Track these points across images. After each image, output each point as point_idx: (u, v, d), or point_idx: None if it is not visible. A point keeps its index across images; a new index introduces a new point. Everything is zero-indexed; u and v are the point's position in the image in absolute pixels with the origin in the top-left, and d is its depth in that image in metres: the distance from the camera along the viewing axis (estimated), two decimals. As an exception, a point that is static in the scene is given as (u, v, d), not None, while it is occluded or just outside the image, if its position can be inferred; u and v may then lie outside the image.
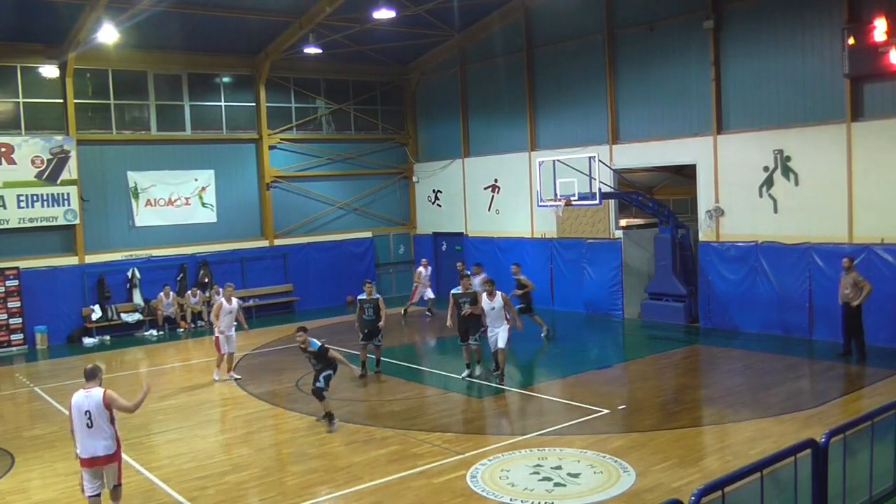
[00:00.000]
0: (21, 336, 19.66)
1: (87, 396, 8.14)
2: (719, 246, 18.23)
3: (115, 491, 8.20)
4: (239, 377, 15.34)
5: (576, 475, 9.31)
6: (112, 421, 8.12)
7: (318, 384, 11.90)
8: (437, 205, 26.35)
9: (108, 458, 8.09)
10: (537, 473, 9.42)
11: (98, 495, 8.15)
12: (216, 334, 15.23)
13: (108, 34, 17.67)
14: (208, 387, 14.90)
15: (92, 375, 8.33)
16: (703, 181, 18.58)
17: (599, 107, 20.73)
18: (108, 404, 8.08)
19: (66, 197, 20.49)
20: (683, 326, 18.73)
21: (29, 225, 20.08)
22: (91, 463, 8.07)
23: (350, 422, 12.14)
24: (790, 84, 16.87)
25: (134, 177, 21.80)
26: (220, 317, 15.08)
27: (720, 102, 18.09)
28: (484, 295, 13.66)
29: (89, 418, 8.04)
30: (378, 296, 15.15)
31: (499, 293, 13.57)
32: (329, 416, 11.85)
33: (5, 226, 19.75)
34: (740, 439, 10.45)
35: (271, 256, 24.05)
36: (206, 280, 22.40)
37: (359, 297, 15.26)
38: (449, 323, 14.61)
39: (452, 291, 14.42)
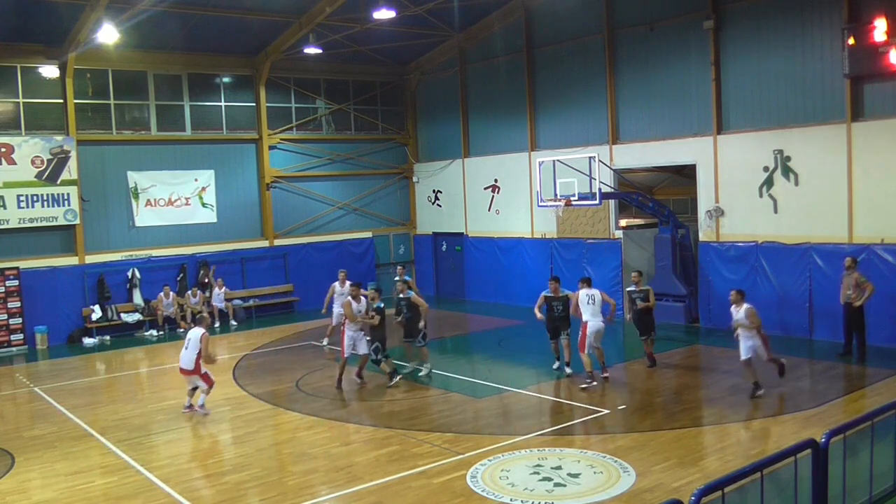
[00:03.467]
0: (21, 336, 19.64)
1: (192, 330, 12.80)
2: (719, 246, 18.23)
3: (195, 391, 12.86)
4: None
5: (576, 475, 9.32)
6: (199, 351, 12.45)
7: (372, 359, 14.06)
8: (437, 205, 26.35)
9: (189, 371, 12.61)
10: (537, 473, 9.42)
11: (193, 389, 12.86)
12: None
13: (108, 34, 17.67)
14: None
15: (199, 321, 13.13)
16: (703, 181, 18.58)
17: (599, 107, 20.74)
18: (202, 339, 12.54)
19: (66, 197, 20.49)
20: (683, 326, 18.73)
21: (29, 225, 20.08)
22: (181, 371, 12.78)
23: (350, 422, 12.15)
24: (790, 84, 16.88)
25: (134, 177, 21.80)
26: (336, 298, 17.53)
27: (720, 102, 18.09)
28: (732, 307, 12.79)
29: (187, 342, 12.66)
30: (566, 292, 14.39)
31: (745, 304, 12.65)
32: (391, 375, 14.08)
33: (5, 226, 19.76)
34: (740, 439, 10.46)
35: (271, 256, 24.05)
36: (206, 280, 22.39)
37: (545, 294, 14.47)
38: (538, 315, 14.46)
39: (544, 293, 14.41)
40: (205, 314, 13.93)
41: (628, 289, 15.28)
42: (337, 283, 17.61)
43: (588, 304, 13.67)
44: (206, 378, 12.74)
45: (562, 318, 14.32)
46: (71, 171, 20.50)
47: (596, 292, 13.85)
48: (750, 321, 12.51)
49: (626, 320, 16.03)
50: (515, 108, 23.10)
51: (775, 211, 17.20)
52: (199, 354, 12.52)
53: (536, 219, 22.51)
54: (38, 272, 20.10)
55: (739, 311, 12.70)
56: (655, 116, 19.54)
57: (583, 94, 21.28)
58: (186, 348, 12.62)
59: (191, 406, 12.85)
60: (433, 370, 14.94)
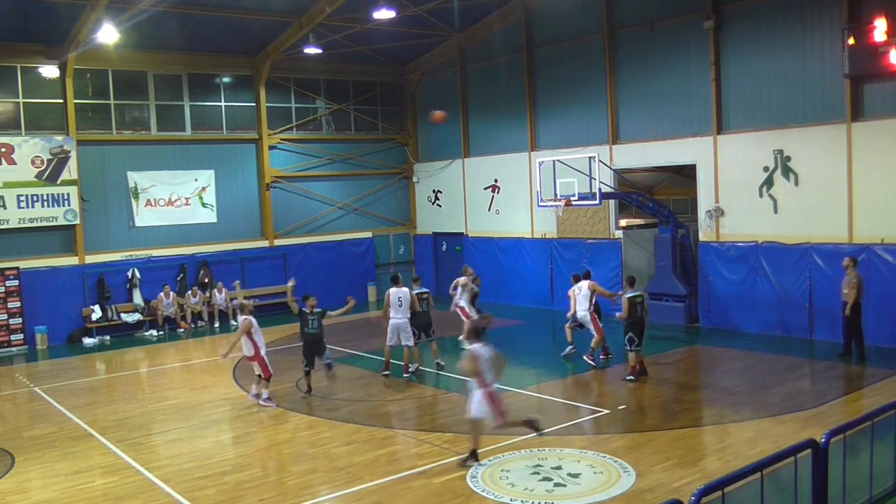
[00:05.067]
0: (21, 336, 19.64)
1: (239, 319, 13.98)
2: (719, 246, 18.23)
3: (259, 379, 13.31)
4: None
5: (576, 475, 9.32)
6: (249, 337, 13.02)
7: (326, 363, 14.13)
8: (437, 205, 26.35)
9: (249, 358, 13.29)
10: (537, 473, 9.42)
11: (259, 376, 13.31)
12: (464, 307, 17.28)
13: (108, 34, 17.67)
14: (208, 387, 14.91)
15: (241, 309, 14.18)
16: (703, 181, 18.58)
17: (599, 107, 20.74)
18: (244, 328, 13.06)
19: (66, 197, 20.49)
20: (683, 326, 18.73)
21: (29, 225, 20.09)
22: (246, 358, 13.46)
23: (350, 422, 12.15)
24: (790, 84, 16.88)
25: (134, 177, 21.81)
26: (463, 291, 17.36)
27: (720, 102, 18.09)
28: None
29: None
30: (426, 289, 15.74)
31: (476, 344, 9.99)
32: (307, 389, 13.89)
33: (5, 226, 19.76)
34: (740, 439, 10.45)
35: (271, 256, 24.05)
36: (206, 280, 22.40)
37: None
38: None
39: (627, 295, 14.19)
40: (244, 302, 14.24)
41: None
42: (462, 278, 17.48)
43: (578, 294, 15.31)
44: (262, 365, 13.14)
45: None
46: (71, 171, 20.50)
47: (584, 284, 15.41)
48: (465, 364, 9.87)
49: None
50: (515, 108, 23.10)
51: (775, 211, 17.19)
52: (254, 341, 13.09)
53: (536, 219, 22.51)
54: (38, 272, 20.10)
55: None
56: (655, 116, 19.54)
57: (583, 94, 21.28)
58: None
59: (257, 395, 13.30)
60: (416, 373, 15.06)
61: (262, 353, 13.21)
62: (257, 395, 13.36)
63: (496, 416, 9.68)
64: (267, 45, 22.93)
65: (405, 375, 14.80)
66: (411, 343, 14.86)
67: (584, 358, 14.98)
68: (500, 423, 9.78)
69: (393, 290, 15.00)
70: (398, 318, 14.80)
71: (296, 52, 22.75)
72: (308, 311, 13.81)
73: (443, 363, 15.39)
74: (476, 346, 9.82)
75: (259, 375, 13.29)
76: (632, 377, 13.66)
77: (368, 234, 26.06)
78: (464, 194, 25.16)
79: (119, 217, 21.66)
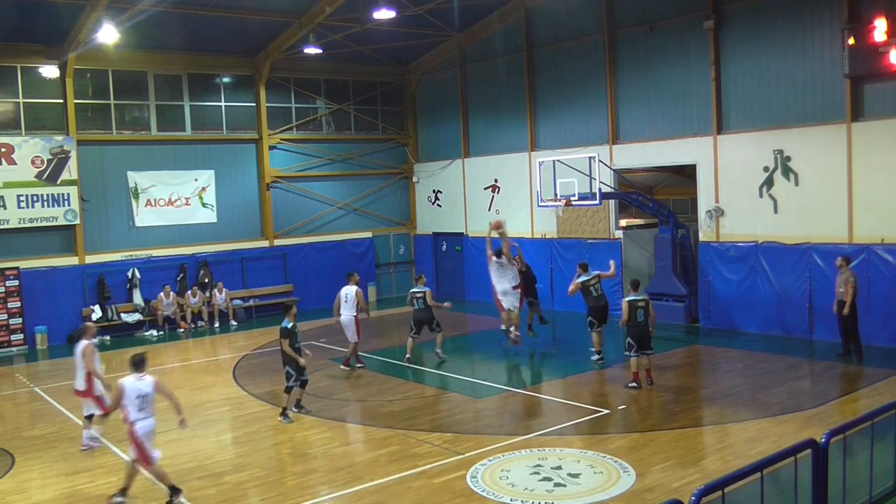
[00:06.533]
0: (21, 336, 19.66)
1: (77, 345, 11.13)
2: (719, 246, 18.23)
3: (87, 419, 11.23)
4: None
5: (576, 475, 9.32)
6: (87, 370, 10.88)
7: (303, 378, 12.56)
8: (437, 205, 26.35)
9: (79, 393, 11.18)
10: (537, 473, 9.43)
11: (89, 416, 11.22)
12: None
13: (108, 34, 17.66)
14: (208, 387, 14.91)
15: (83, 331, 11.27)
16: (703, 181, 18.58)
17: (599, 107, 20.74)
18: (85, 353, 10.92)
19: (66, 197, 20.49)
20: (683, 326, 18.72)
21: (29, 225, 20.08)
22: (75, 393, 11.41)
23: (350, 422, 12.15)
24: (790, 84, 16.87)
25: (134, 177, 21.80)
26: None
27: (720, 102, 18.09)
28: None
29: (75, 360, 11.16)
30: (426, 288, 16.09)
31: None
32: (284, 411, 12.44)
33: (5, 226, 19.76)
34: (740, 439, 10.46)
35: (271, 256, 24.05)
36: (206, 280, 22.40)
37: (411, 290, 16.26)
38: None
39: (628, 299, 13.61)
40: (88, 323, 11.86)
41: None
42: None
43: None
44: (99, 402, 11.03)
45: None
46: (71, 171, 20.50)
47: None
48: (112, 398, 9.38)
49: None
50: (515, 108, 23.09)
51: (775, 211, 17.19)
52: (87, 374, 10.95)
53: (536, 219, 22.51)
54: (38, 272, 20.09)
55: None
56: (655, 116, 19.54)
57: (583, 94, 21.28)
58: (75, 366, 11.20)
59: (89, 443, 11.18)
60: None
61: (98, 389, 10.99)
62: (90, 444, 11.16)
63: (142, 459, 9.03)
64: (267, 45, 22.92)
65: (342, 366, 15.49)
66: (351, 339, 15.39)
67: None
68: (147, 468, 9.14)
69: (344, 288, 15.49)
70: (342, 314, 15.33)
71: (296, 52, 22.75)
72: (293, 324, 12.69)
73: (443, 355, 15.96)
74: (127, 379, 9.07)
75: (90, 415, 11.19)
76: (634, 384, 13.32)
77: (368, 235, 26.06)
78: (464, 194, 25.15)
79: (119, 217, 21.65)
